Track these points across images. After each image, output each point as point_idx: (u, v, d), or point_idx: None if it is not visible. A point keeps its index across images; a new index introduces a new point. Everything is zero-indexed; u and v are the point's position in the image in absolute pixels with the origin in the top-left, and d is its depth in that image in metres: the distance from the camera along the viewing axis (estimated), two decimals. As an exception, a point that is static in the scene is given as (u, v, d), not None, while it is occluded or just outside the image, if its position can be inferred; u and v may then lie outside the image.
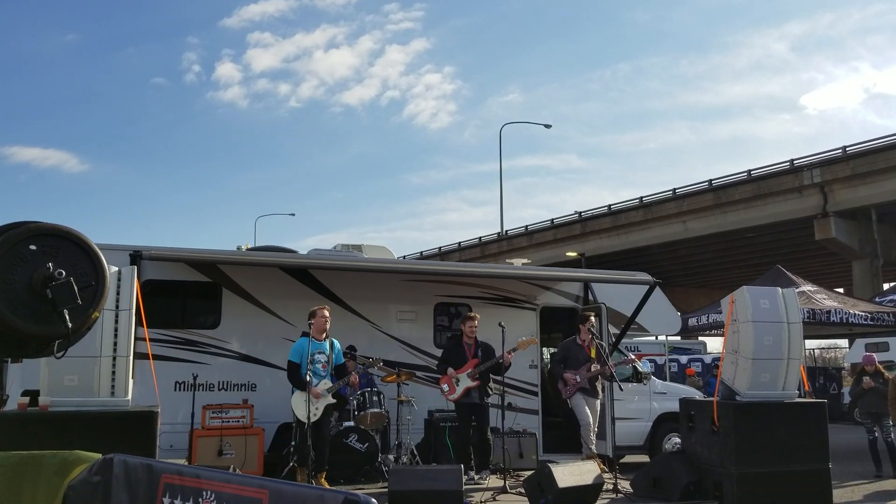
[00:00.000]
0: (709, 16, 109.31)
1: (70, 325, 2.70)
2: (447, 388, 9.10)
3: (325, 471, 8.25)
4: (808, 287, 13.93)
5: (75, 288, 2.72)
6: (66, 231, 2.83)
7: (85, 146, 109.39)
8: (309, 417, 7.94)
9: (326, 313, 8.41)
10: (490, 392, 9.12)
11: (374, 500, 2.96)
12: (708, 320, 14.17)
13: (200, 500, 3.81)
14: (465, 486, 7.42)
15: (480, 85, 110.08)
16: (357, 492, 3.14)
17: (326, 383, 8.13)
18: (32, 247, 2.72)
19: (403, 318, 10.83)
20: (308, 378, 7.82)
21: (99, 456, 4.42)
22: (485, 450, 9.03)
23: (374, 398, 9.19)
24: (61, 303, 2.68)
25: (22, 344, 2.75)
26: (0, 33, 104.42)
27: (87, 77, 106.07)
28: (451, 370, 9.09)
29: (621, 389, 9.25)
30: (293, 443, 8.24)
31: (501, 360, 8.81)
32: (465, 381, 9.00)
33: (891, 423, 11.39)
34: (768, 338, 7.88)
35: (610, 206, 36.28)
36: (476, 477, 8.74)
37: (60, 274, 2.70)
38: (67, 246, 2.81)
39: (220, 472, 3.88)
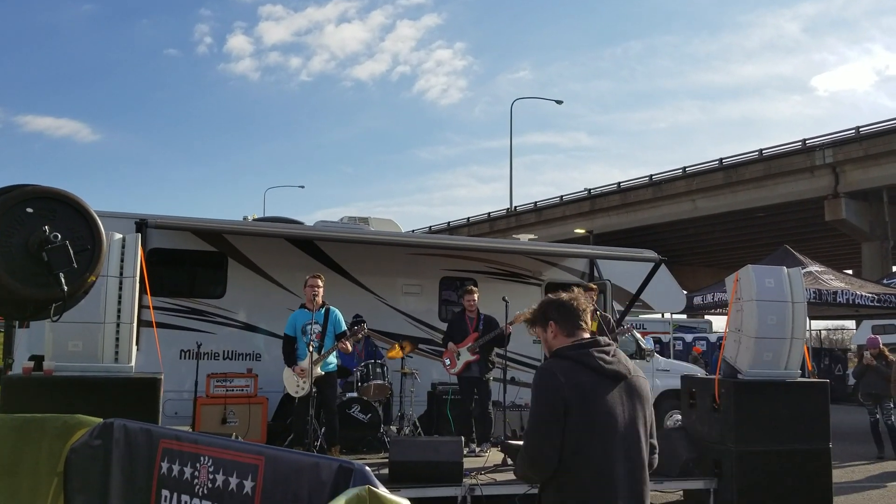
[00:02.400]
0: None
1: (66, 288, 2.72)
2: (448, 362, 9.14)
3: (337, 444, 8.23)
4: (815, 268, 13.88)
5: (71, 251, 2.73)
6: (63, 194, 2.83)
7: (98, 116, 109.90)
8: (312, 391, 7.92)
9: (317, 282, 8.14)
10: (492, 366, 9.11)
11: (367, 468, 2.98)
12: (713, 299, 14.16)
13: (198, 465, 3.84)
14: (465, 458, 7.46)
15: (491, 61, 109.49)
16: (353, 461, 3.16)
17: (315, 355, 7.93)
18: (29, 209, 2.72)
19: (409, 291, 10.84)
20: (309, 349, 7.78)
21: (100, 420, 4.47)
22: (485, 423, 9.06)
23: (378, 370, 9.22)
24: (57, 266, 2.69)
25: (19, 307, 2.77)
26: (18, 4, 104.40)
27: (102, 48, 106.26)
28: (451, 344, 9.11)
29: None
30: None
31: (500, 333, 8.81)
32: (466, 356, 9.00)
33: (892, 404, 11.40)
34: (772, 317, 7.85)
35: (619, 183, 36.14)
36: (477, 449, 8.79)
37: (56, 237, 2.70)
38: (64, 209, 2.81)
39: (218, 438, 3.92)
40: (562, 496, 2.84)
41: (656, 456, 3.06)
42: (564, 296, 3.19)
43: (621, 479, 2.82)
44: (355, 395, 9.08)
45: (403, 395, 9.51)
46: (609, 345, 3.04)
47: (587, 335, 3.10)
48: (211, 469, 3.76)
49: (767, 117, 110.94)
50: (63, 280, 2.69)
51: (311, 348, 7.73)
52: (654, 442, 3.05)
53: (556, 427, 2.82)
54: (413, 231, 39.76)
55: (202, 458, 3.77)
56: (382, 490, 2.92)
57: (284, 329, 8.34)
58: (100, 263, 2.88)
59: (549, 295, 3.27)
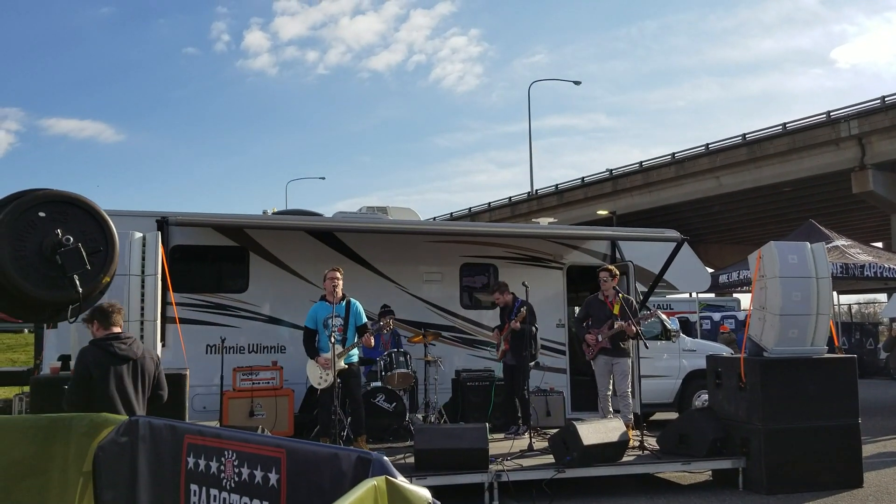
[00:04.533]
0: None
1: (80, 290, 2.75)
2: (496, 350, 9.70)
3: (363, 434, 8.24)
4: (841, 241, 13.67)
5: (84, 253, 2.76)
6: (74, 197, 2.86)
7: (121, 117, 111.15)
8: (337, 382, 7.95)
9: (336, 275, 8.11)
10: (528, 354, 9.14)
11: (386, 458, 2.98)
12: (739, 277, 13.99)
13: (223, 459, 3.88)
14: (490, 444, 7.47)
15: (506, 46, 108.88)
16: (372, 451, 3.17)
17: (338, 348, 7.89)
18: (41, 214, 2.76)
19: (430, 279, 10.84)
20: (331, 342, 7.78)
21: (126, 417, 4.53)
22: (515, 407, 9.25)
23: (401, 359, 9.25)
24: (70, 268, 2.72)
25: (36, 310, 2.81)
26: (39, 9, 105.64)
27: (122, 49, 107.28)
28: (496, 332, 9.66)
29: (646, 347, 9.08)
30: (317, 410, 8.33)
31: (511, 330, 9.06)
32: (502, 345, 9.41)
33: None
34: (796, 293, 7.76)
35: (641, 163, 35.79)
36: (507, 433, 8.97)
37: (69, 240, 2.74)
38: (76, 212, 2.84)
39: (239, 432, 3.95)
40: None
41: (160, 396, 5.39)
42: (104, 303, 4.90)
43: (122, 415, 4.75)
44: (380, 384, 9.13)
45: (428, 382, 9.56)
46: (129, 337, 5.16)
47: (117, 329, 5.11)
48: (236, 463, 3.79)
49: (789, 91, 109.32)
50: (77, 282, 2.73)
51: (332, 340, 7.75)
52: (161, 392, 5.37)
53: (82, 385, 4.99)
54: (434, 218, 39.79)
55: (227, 453, 3.80)
56: (401, 480, 2.92)
57: (305, 322, 8.36)
58: (113, 264, 2.91)
59: (99, 302, 4.73)
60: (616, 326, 8.67)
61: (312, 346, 8.21)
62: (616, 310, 8.71)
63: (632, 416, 8.77)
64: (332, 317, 8.01)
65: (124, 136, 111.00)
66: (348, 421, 8.46)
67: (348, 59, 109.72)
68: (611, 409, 8.87)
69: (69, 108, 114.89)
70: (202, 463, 4.00)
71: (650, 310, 10.00)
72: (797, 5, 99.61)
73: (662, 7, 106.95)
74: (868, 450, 9.45)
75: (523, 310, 8.96)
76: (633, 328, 8.62)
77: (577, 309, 12.45)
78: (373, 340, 8.45)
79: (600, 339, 8.79)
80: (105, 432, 4.53)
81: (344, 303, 8.20)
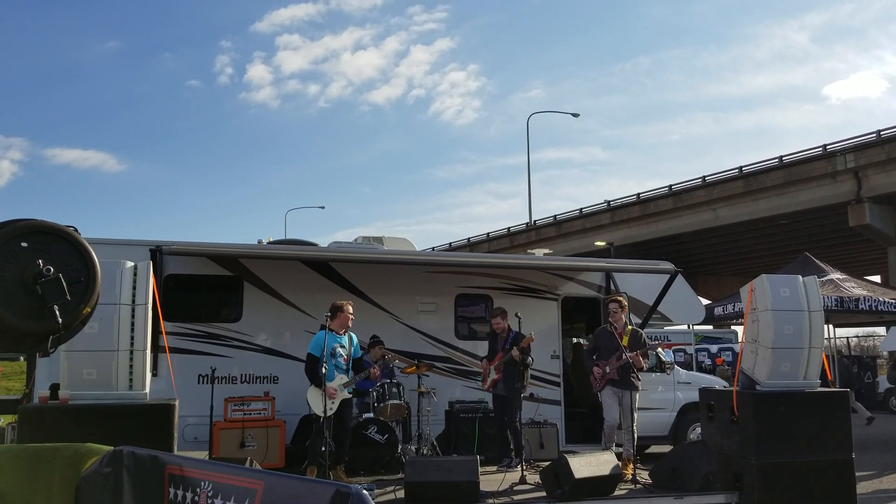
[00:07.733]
0: (727, 8, 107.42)
1: (60, 320, 2.76)
2: (482, 380, 9.46)
3: (343, 463, 8.23)
4: (836, 275, 13.69)
5: (64, 284, 2.77)
6: (57, 228, 2.88)
7: (123, 147, 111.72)
8: (325, 412, 7.94)
9: (351, 309, 8.34)
10: (520, 384, 9.05)
11: (365, 491, 2.98)
12: (734, 309, 13.99)
13: (199, 489, 3.88)
14: (482, 477, 7.41)
15: (504, 81, 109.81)
16: (351, 484, 3.17)
17: (343, 378, 8.01)
18: (24, 244, 2.78)
19: (424, 309, 10.84)
20: (331, 371, 7.81)
21: (110, 448, 4.51)
22: (507, 439, 9.13)
23: (394, 390, 9.22)
24: (51, 299, 2.74)
25: (16, 340, 2.81)
26: (47, 42, 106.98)
27: (127, 81, 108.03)
28: (484, 361, 9.42)
29: (638, 379, 9.01)
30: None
31: (510, 358, 8.91)
32: (492, 374, 9.23)
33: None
34: (788, 326, 7.73)
35: (639, 194, 35.96)
36: (500, 466, 8.83)
37: (49, 270, 2.75)
38: (58, 243, 2.86)
39: (219, 464, 3.95)
40: None
41: None
42: None
43: None
44: (372, 415, 9.08)
45: (421, 414, 9.51)
46: None
47: None
48: (210, 493, 3.79)
49: (782, 126, 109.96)
50: (57, 312, 2.74)
51: (345, 371, 7.88)
52: None
53: None
54: (433, 248, 39.84)
55: (202, 484, 3.80)
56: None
57: (310, 349, 8.14)
58: (94, 294, 2.92)
59: None
60: (624, 358, 8.54)
61: (318, 375, 7.97)
62: (625, 341, 8.59)
63: (634, 451, 8.63)
64: (340, 346, 8.10)
65: (126, 166, 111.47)
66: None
67: (349, 93, 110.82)
68: (614, 441, 8.73)
69: (73, 139, 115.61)
70: (181, 493, 3.99)
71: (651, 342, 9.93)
72: (788, 43, 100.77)
73: (656, 44, 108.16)
74: (865, 486, 9.38)
75: (531, 334, 8.90)
76: (642, 361, 8.54)
77: (572, 340, 12.45)
78: (378, 371, 8.62)
79: (608, 370, 8.66)
80: (89, 463, 4.51)
81: (346, 335, 8.26)
